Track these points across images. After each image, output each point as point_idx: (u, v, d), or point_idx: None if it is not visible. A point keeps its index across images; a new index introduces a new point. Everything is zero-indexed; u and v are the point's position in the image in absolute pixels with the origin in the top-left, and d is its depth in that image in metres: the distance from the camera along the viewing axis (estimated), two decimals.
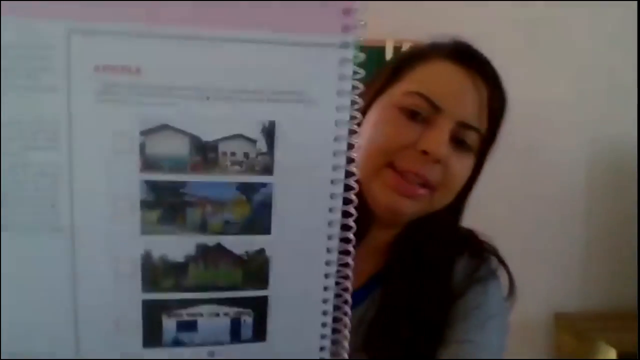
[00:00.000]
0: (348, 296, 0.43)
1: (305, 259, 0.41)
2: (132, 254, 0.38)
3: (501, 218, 2.01)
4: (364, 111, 0.69)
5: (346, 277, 0.43)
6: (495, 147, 0.77)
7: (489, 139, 0.73)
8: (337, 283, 0.43)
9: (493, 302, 0.75)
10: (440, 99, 0.68)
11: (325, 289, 0.43)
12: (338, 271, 0.43)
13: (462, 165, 0.70)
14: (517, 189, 2.03)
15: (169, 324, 0.40)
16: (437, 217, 0.75)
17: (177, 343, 0.41)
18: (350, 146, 0.41)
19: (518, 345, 2.01)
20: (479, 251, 0.79)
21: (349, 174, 0.41)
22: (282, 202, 0.39)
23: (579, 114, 2.02)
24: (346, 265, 0.43)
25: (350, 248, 0.43)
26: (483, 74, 0.71)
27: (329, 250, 0.42)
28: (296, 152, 0.38)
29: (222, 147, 0.37)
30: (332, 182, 0.40)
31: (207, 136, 0.37)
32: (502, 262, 0.79)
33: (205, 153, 0.37)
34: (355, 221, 0.72)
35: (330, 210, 0.41)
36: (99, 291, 0.39)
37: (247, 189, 0.38)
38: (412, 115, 0.68)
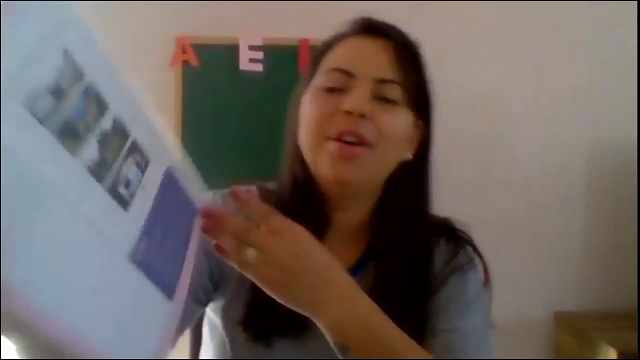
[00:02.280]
0: None
1: None
2: None
3: (501, 218, 2.01)
4: (299, 106, 0.80)
5: None
6: (433, 100, 0.81)
7: (416, 89, 0.77)
8: None
9: (471, 288, 0.79)
10: (351, 65, 0.74)
11: None
12: None
13: (392, 118, 0.74)
14: (516, 188, 2.03)
15: None
16: (404, 199, 0.80)
17: None
18: None
19: (518, 345, 2.00)
20: (455, 237, 0.83)
21: None
22: None
23: (579, 114, 2.03)
24: None
25: None
26: (386, 36, 0.77)
27: None
28: None
29: None
30: None
31: None
32: (476, 250, 0.83)
33: None
34: (310, 206, 0.78)
35: None
36: None
37: None
38: (332, 90, 0.74)
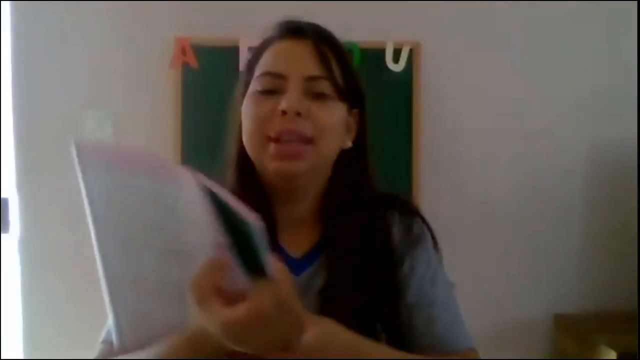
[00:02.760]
0: None
1: None
2: None
3: (501, 218, 2.00)
4: (239, 108, 0.85)
5: None
6: (362, 88, 0.87)
7: (343, 81, 0.82)
8: None
9: (432, 257, 0.86)
10: (280, 68, 0.80)
11: None
12: None
13: (326, 112, 0.80)
14: (516, 189, 2.02)
15: None
16: (350, 180, 0.85)
17: None
18: None
19: (517, 346, 1.99)
20: (407, 209, 0.89)
21: None
22: None
23: (579, 114, 2.02)
24: None
25: None
26: (307, 36, 0.83)
27: None
28: None
29: None
30: None
31: None
32: (424, 221, 0.89)
33: None
34: (259, 201, 0.81)
35: None
36: None
37: None
38: (268, 93, 0.80)
